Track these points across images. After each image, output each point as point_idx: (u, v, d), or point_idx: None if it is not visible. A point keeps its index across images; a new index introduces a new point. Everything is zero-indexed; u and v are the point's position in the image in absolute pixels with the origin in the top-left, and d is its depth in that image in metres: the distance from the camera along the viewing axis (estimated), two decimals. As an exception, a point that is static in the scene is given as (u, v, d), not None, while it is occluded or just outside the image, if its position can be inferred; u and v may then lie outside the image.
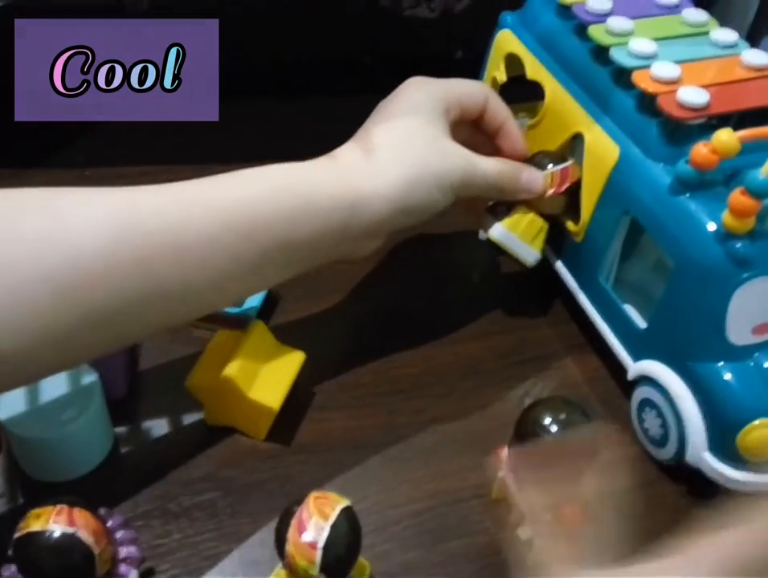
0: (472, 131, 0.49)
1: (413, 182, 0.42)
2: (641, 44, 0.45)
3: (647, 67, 0.44)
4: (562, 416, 0.37)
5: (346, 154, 0.43)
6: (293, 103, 0.68)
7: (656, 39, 0.46)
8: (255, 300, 0.50)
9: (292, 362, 0.45)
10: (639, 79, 0.44)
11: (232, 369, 0.42)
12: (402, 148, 0.43)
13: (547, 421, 0.36)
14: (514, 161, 0.48)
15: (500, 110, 0.49)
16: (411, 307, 0.54)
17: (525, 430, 0.37)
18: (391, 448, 0.46)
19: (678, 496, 0.44)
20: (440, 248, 0.59)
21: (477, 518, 0.43)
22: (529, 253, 0.50)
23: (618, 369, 0.48)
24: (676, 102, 0.42)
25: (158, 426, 0.45)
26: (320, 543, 0.34)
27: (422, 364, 0.50)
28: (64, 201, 0.36)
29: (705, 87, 0.43)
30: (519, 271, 0.56)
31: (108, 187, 0.37)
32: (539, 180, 0.48)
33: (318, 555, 0.34)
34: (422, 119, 0.44)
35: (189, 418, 0.46)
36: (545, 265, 0.54)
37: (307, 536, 0.34)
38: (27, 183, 0.59)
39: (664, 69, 0.43)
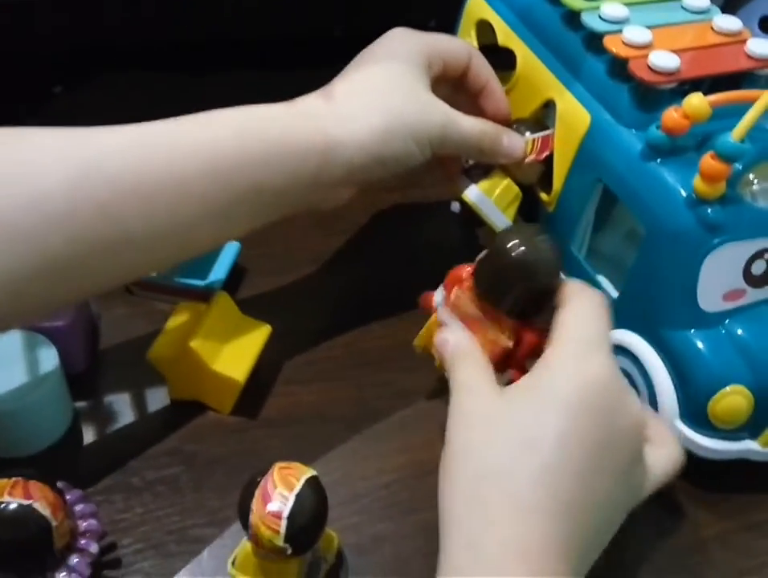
0: (454, 89, 0.48)
1: (387, 131, 0.41)
2: (613, 8, 0.44)
3: (619, 31, 0.43)
4: (535, 238, 0.36)
5: (307, 101, 0.42)
6: (267, 76, 0.66)
7: (628, 4, 0.45)
8: (220, 273, 0.49)
9: (257, 335, 0.44)
10: (611, 44, 0.43)
11: (196, 341, 0.41)
12: (375, 96, 0.42)
13: (517, 242, 0.36)
14: (496, 123, 0.47)
15: (483, 69, 0.47)
16: (382, 279, 0.53)
17: (496, 252, 0.37)
18: (360, 421, 0.45)
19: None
20: (413, 221, 0.58)
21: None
22: (501, 220, 0.49)
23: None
24: (647, 66, 0.41)
25: (120, 400, 0.44)
26: (285, 513, 0.33)
27: (392, 337, 0.50)
28: (25, 141, 0.34)
29: (677, 51, 0.42)
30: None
31: (71, 128, 0.35)
32: (520, 144, 0.47)
33: (283, 525, 0.33)
34: (400, 68, 0.43)
35: (152, 392, 0.45)
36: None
37: (272, 506, 0.33)
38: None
39: (636, 33, 0.43)
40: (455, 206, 0.59)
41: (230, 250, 0.50)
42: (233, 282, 0.50)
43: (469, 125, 0.45)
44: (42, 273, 0.33)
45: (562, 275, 0.38)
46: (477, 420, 0.33)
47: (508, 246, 0.36)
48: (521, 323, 0.37)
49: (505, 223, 0.50)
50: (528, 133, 0.48)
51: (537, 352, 0.36)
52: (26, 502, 0.33)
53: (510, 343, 0.37)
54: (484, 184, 0.49)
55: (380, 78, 0.43)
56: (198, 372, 0.42)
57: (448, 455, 0.33)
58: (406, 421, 0.45)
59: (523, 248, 0.36)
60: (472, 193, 0.49)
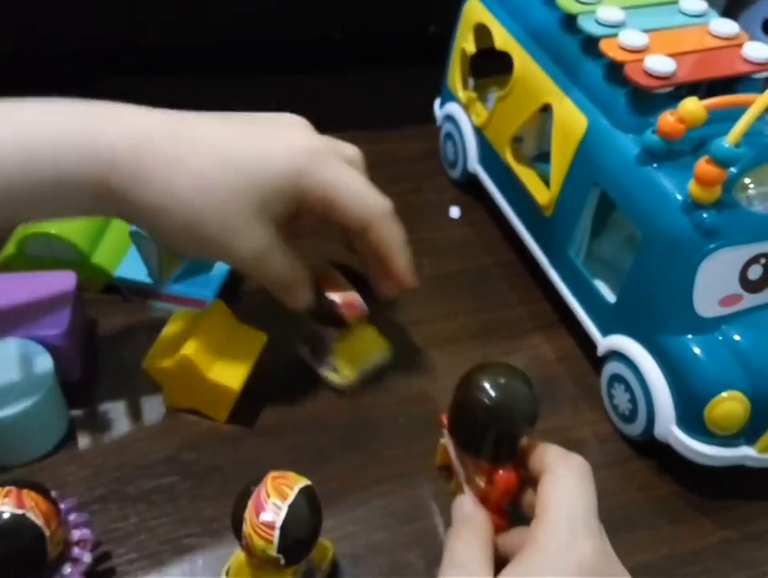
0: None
1: (192, 234, 0.38)
2: (609, 12, 0.44)
3: (615, 35, 0.43)
4: (502, 380, 0.35)
5: (152, 153, 0.37)
6: (265, 80, 0.67)
7: (624, 8, 0.45)
8: (215, 280, 0.48)
9: (254, 343, 0.44)
10: (607, 47, 0.43)
11: (190, 348, 0.41)
12: (207, 198, 0.37)
13: (486, 384, 0.35)
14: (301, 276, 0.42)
15: (383, 243, 0.41)
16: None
17: (464, 392, 0.36)
18: (356, 430, 0.45)
19: (649, 472, 0.44)
20: (411, 226, 0.58)
21: (445, 499, 0.42)
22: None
23: (590, 348, 0.48)
24: (643, 70, 0.41)
25: (116, 409, 0.44)
26: (278, 523, 0.33)
27: (390, 343, 0.49)
28: None
29: (673, 55, 0.42)
30: (492, 250, 0.56)
31: None
32: (303, 300, 0.43)
33: (276, 536, 0.33)
34: (256, 191, 0.38)
35: (148, 400, 0.45)
36: (517, 243, 0.54)
37: (265, 516, 0.33)
38: None
39: (632, 37, 0.43)
40: (454, 212, 0.59)
41: (226, 258, 0.49)
42: (229, 289, 0.49)
43: (275, 273, 0.40)
44: None
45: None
46: None
47: (474, 387, 0.35)
48: (493, 464, 0.36)
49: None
50: (331, 296, 0.43)
51: (511, 494, 0.36)
52: (19, 511, 0.33)
53: (482, 484, 0.36)
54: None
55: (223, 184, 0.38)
56: (193, 381, 0.42)
57: None
58: (403, 430, 0.45)
59: (492, 391, 0.34)
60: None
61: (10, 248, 0.48)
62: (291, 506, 0.33)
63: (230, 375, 0.42)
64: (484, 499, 0.36)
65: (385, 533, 0.40)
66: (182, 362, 0.41)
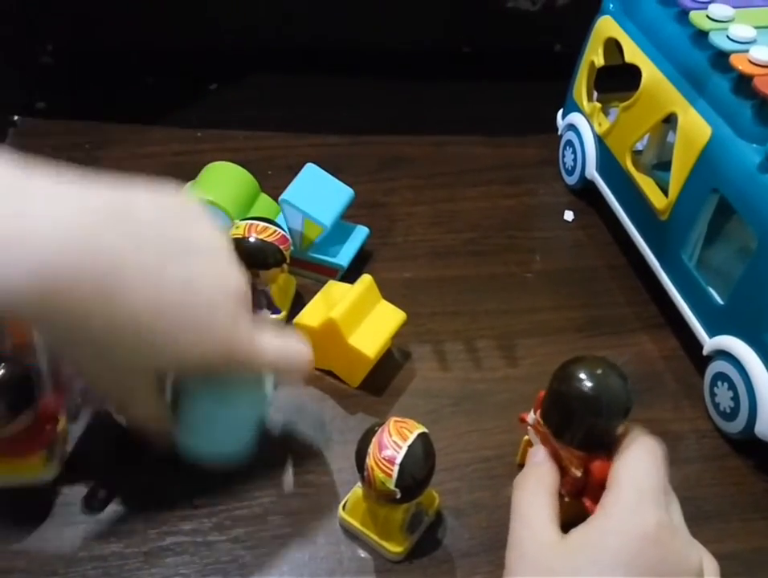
0: None
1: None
2: (741, 30, 0.46)
3: (745, 51, 0.45)
4: (599, 371, 0.35)
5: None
6: (398, 86, 0.72)
7: (756, 27, 0.47)
8: (348, 253, 0.53)
9: (393, 319, 0.48)
10: (737, 62, 0.45)
11: (337, 313, 0.45)
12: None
13: (582, 375, 0.35)
14: None
15: None
16: (494, 273, 0.56)
17: (560, 383, 0.36)
18: (465, 400, 0.48)
19: (746, 469, 0.45)
20: (527, 226, 0.61)
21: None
22: None
23: (694, 349, 0.50)
24: (771, 84, 0.43)
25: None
26: (398, 460, 0.37)
27: (499, 328, 0.53)
28: None
29: (802, 72, 0.44)
30: (603, 252, 0.59)
31: None
32: None
33: (395, 471, 0.37)
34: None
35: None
36: (628, 247, 0.56)
37: (387, 452, 0.37)
38: (146, 137, 0.65)
39: (762, 53, 0.45)
40: (568, 216, 0.61)
41: (359, 234, 0.54)
42: (357, 263, 0.54)
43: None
44: None
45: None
46: (536, 562, 0.33)
47: (571, 378, 0.35)
48: (588, 454, 0.36)
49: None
50: None
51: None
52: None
53: (578, 474, 0.36)
54: None
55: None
56: (334, 343, 0.46)
57: None
58: (508, 405, 0.48)
59: (588, 382, 0.35)
60: None
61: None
62: (410, 447, 0.37)
63: (369, 344, 0.46)
64: (581, 489, 0.36)
65: (486, 493, 0.43)
66: (328, 324, 0.45)
